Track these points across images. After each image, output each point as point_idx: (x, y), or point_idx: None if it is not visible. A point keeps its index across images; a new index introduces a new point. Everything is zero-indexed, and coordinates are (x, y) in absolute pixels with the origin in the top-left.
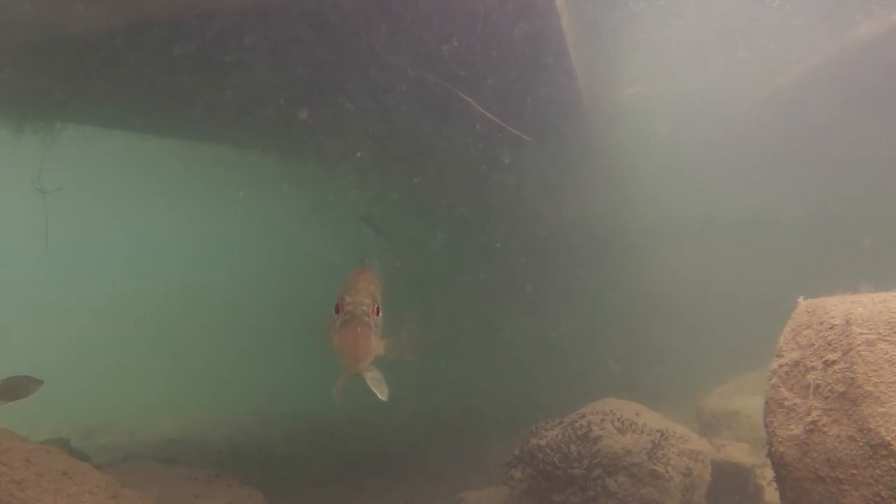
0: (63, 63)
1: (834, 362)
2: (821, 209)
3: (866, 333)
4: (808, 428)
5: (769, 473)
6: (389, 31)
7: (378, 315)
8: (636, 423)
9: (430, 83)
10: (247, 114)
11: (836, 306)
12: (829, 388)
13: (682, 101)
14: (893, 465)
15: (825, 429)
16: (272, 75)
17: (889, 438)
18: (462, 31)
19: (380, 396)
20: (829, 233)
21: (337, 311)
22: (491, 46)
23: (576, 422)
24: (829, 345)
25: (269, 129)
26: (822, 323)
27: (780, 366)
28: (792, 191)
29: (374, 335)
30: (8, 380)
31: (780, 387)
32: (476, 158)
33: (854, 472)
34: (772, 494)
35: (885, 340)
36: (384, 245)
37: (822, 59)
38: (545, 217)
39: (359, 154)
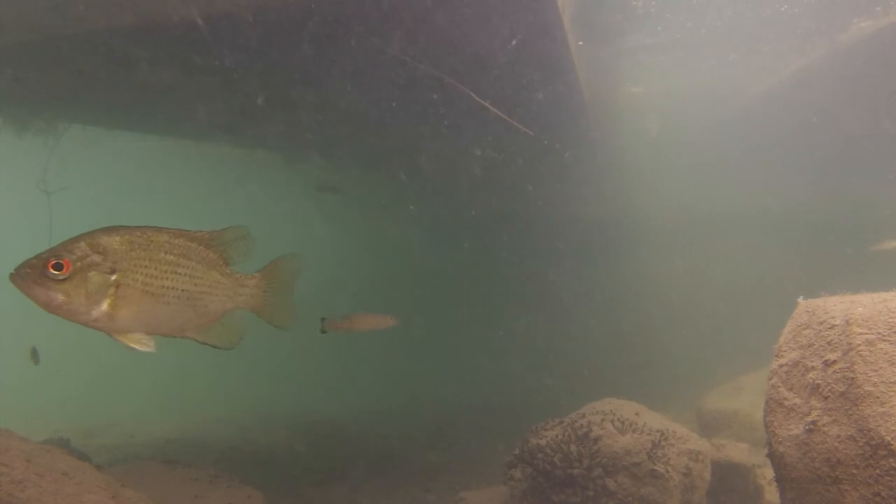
0: (67, 63)
1: (834, 362)
2: (822, 208)
3: (866, 333)
4: (808, 428)
5: (769, 473)
6: (390, 29)
7: (66, 271)
8: (636, 423)
9: (435, 78)
10: (256, 113)
11: (836, 306)
12: (829, 388)
13: (687, 98)
14: (893, 465)
15: (825, 429)
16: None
17: (889, 438)
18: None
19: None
20: (830, 232)
21: None
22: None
23: (576, 422)
24: (829, 345)
25: (277, 129)
26: (822, 323)
27: (780, 366)
28: (794, 189)
29: (42, 288)
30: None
31: (780, 387)
32: (480, 157)
33: (854, 472)
34: (772, 494)
35: (885, 340)
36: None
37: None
38: (550, 216)
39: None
